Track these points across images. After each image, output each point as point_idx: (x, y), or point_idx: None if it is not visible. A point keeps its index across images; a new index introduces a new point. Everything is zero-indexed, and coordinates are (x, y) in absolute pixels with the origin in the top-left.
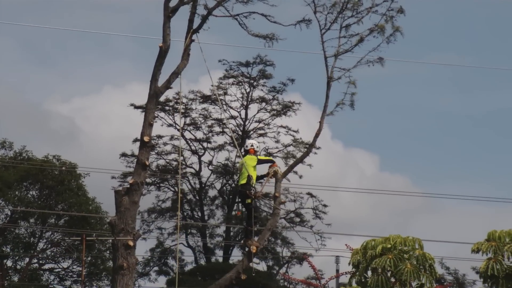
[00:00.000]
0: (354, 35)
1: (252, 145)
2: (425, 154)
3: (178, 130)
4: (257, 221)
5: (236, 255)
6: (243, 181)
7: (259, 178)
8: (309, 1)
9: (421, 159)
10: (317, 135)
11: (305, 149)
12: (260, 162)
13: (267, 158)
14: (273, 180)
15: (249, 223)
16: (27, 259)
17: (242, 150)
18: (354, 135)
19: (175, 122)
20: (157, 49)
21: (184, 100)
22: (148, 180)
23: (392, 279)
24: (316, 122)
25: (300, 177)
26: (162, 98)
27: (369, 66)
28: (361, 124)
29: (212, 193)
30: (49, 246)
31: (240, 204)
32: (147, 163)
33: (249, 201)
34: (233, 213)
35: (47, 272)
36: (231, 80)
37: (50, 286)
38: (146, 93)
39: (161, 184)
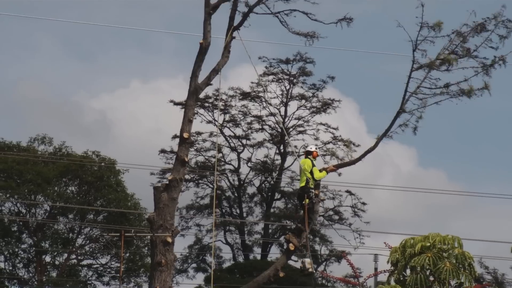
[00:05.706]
0: (440, 80)
1: (316, 149)
2: (463, 151)
3: (217, 126)
4: (311, 222)
5: (274, 253)
6: (302, 184)
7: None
8: (413, 38)
9: (458, 156)
10: (369, 151)
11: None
12: (311, 173)
13: (320, 176)
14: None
15: (302, 222)
16: (65, 255)
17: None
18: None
19: (214, 119)
20: (193, 46)
21: (224, 97)
22: (187, 176)
23: (431, 278)
24: (353, 118)
25: (339, 174)
26: (201, 95)
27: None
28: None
29: (250, 190)
30: (88, 242)
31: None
32: (186, 160)
33: (306, 200)
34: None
35: (85, 268)
36: (271, 77)
37: (88, 282)
38: (179, 89)
39: (200, 181)
